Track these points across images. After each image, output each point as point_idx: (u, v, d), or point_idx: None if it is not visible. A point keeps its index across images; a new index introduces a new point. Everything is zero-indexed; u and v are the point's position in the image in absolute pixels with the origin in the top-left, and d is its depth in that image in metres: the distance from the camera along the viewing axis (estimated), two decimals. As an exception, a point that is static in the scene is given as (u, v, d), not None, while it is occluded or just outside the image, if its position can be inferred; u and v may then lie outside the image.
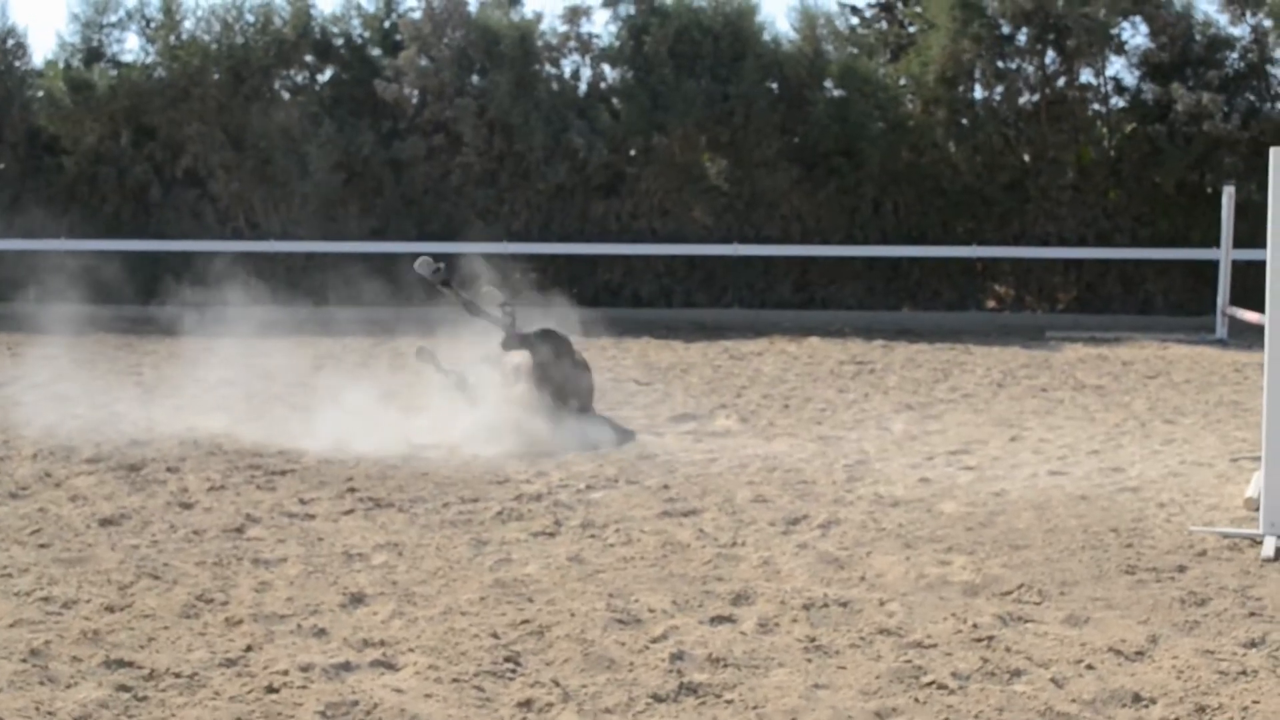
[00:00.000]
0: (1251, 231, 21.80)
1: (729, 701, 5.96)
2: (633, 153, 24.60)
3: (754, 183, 24.25)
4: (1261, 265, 20.24)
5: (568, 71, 25.19)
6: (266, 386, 14.89)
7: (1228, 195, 21.46)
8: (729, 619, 7.04)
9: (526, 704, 5.89)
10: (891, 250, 24.10)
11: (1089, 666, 6.40)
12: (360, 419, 12.34)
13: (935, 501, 9.95)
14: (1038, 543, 8.73)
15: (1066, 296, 24.75)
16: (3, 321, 20.10)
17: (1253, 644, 6.73)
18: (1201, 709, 5.89)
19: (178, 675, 6.11)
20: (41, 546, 8.28)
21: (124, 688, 5.95)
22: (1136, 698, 6.01)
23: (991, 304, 25.18)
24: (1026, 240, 24.24)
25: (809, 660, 6.46)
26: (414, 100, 24.53)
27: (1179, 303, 23.98)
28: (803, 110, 24.48)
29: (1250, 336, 20.23)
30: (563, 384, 12.69)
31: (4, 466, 10.54)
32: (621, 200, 24.52)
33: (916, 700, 5.98)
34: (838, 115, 24.18)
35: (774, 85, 24.66)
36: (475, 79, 24.58)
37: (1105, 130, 25.07)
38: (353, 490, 9.97)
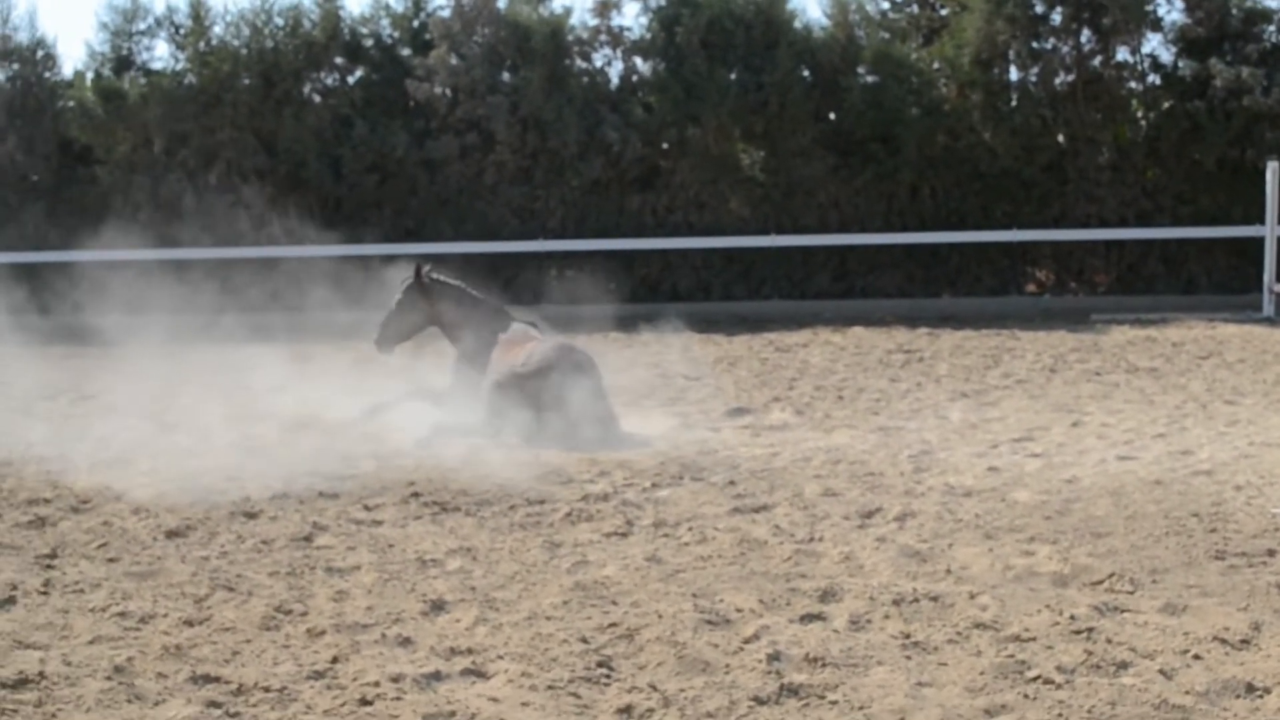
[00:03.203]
0: (1296, 206, 21.62)
1: (833, 702, 5.82)
2: (666, 146, 24.46)
3: (790, 172, 24.07)
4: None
5: (599, 65, 25.06)
6: (314, 393, 14.73)
7: (1271, 170, 21.24)
8: (819, 617, 6.90)
9: (626, 710, 5.77)
10: (930, 236, 23.91)
11: (1196, 656, 6.26)
12: (415, 423, 12.24)
13: (1008, 490, 9.79)
14: (1120, 530, 8.57)
15: (1108, 278, 24.52)
16: (51, 334, 19.94)
17: (1359, 628, 6.57)
18: (1319, 698, 5.73)
19: (267, 689, 5.99)
20: (110, 560, 8.17)
21: (214, 704, 5.83)
22: (1250, 688, 5.87)
23: (1032, 288, 24.96)
24: (1066, 222, 24.03)
25: (908, 657, 6.32)
26: (446, 99, 24.38)
27: (1223, 281, 23.75)
28: (837, 97, 24.32)
29: (1298, 313, 20.06)
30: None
31: (64, 480, 10.41)
32: (657, 194, 24.37)
33: (1025, 696, 5.84)
34: (872, 101, 24.01)
35: (807, 73, 24.49)
36: (506, 76, 24.43)
37: (1143, 108, 24.84)
38: (416, 495, 9.83)
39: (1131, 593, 7.24)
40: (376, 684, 6.01)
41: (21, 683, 6.02)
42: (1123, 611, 6.90)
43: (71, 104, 24.74)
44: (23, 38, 25.04)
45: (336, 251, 23.74)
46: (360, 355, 16.98)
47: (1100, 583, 7.40)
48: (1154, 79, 24.82)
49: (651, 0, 24.61)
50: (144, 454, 11.37)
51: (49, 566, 8.02)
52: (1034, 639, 6.50)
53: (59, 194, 24.34)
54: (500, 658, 6.35)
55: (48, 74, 25.06)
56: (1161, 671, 6.06)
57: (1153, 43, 24.68)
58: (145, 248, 23.03)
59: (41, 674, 6.12)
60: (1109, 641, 6.44)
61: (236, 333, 19.29)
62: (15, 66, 24.93)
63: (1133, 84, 24.89)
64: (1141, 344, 18.46)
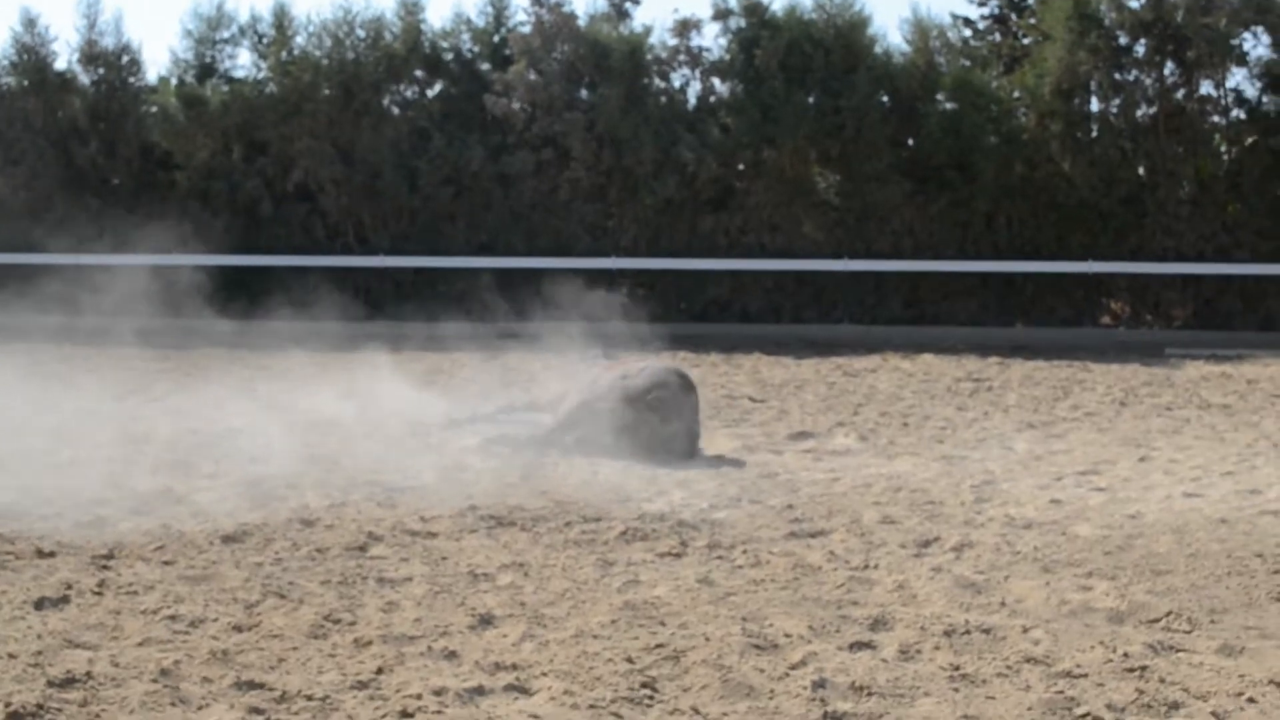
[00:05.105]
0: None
1: (876, 733, 5.75)
2: (742, 167, 24.44)
3: (865, 197, 24.00)
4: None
5: (677, 85, 25.09)
6: (378, 404, 14.78)
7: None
8: (869, 645, 6.83)
9: (667, 733, 5.73)
10: (1005, 265, 23.73)
11: (1250, 700, 6.12)
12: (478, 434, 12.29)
13: (1069, 524, 9.67)
14: (1181, 568, 8.42)
15: (1184, 313, 24.24)
16: (121, 337, 20.12)
17: None
18: (1375, 747, 5.61)
19: (309, 698, 5.98)
20: (166, 563, 8.21)
21: (256, 710, 5.83)
22: (1304, 734, 5.74)
23: (1106, 320, 24.72)
24: (1143, 255, 23.76)
25: (955, 690, 6.24)
26: (523, 114, 24.47)
27: (1302, 319, 23.42)
28: (915, 123, 24.23)
29: (1379, 354, 19.73)
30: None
31: (126, 481, 10.50)
32: (730, 215, 24.37)
33: (1072, 734, 5.75)
34: (950, 128, 23.89)
35: (885, 98, 24.43)
36: (584, 93, 24.53)
37: (1225, 143, 24.57)
38: (473, 508, 9.83)
39: (1188, 632, 7.11)
40: (419, 696, 5.99)
41: (69, 682, 6.05)
42: (1178, 651, 6.78)
43: (154, 109, 25.07)
44: (108, 42, 25.42)
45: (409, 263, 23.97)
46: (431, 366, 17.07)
47: (1157, 621, 7.28)
48: (1238, 113, 24.57)
49: (731, 22, 24.64)
50: (207, 458, 11.46)
51: (105, 567, 8.08)
52: (1085, 675, 6.40)
53: (138, 198, 24.59)
54: (544, 675, 6.32)
55: (132, 79, 25.44)
56: (1214, 714, 5.94)
57: (1237, 77, 24.47)
58: (220, 253, 23.26)
59: (89, 674, 6.15)
60: (1162, 681, 6.33)
61: (314, 339, 19.41)
62: (100, 71, 25.32)
63: (1216, 118, 24.63)
64: (1215, 380, 18.22)
